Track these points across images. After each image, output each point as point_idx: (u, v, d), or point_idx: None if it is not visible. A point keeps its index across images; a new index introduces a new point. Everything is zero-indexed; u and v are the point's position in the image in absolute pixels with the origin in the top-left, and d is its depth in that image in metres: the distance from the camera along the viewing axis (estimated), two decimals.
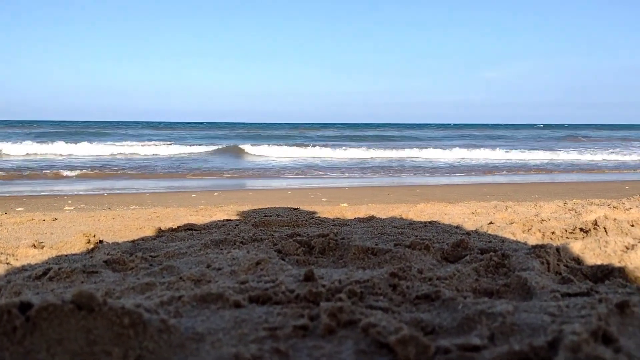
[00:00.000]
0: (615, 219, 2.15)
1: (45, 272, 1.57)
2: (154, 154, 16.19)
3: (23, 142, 17.53)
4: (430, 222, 2.88)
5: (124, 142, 19.54)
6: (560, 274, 1.56)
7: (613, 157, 16.65)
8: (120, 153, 16.15)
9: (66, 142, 17.53)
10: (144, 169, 11.52)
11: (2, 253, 2.12)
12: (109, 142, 19.29)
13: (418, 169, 12.71)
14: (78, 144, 17.43)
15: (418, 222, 2.92)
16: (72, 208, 5.35)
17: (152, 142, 20.22)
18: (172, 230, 2.82)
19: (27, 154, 15.48)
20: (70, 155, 15.51)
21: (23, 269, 1.75)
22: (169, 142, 20.34)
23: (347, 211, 3.89)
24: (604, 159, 15.78)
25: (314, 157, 16.03)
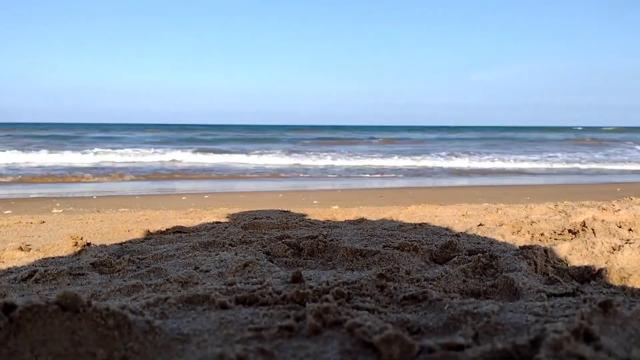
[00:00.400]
0: (603, 220, 2.17)
1: (31, 275, 1.56)
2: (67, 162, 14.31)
3: None
4: (420, 224, 2.88)
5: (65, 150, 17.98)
6: (547, 274, 1.57)
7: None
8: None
9: None
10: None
11: None
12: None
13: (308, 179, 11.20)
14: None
15: (408, 224, 2.92)
16: (61, 211, 5.32)
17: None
18: (160, 232, 2.81)
19: None
20: None
21: (9, 271, 1.74)
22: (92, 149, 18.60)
23: (338, 213, 3.89)
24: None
25: (238, 163, 15.05)
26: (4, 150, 16.15)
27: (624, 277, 1.45)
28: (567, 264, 1.66)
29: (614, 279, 1.47)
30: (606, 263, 1.60)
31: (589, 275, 1.53)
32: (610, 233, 2.04)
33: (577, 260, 1.68)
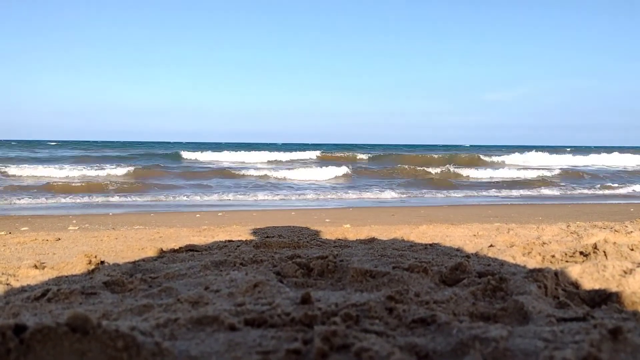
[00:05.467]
0: (615, 242, 2.15)
1: (44, 294, 1.58)
2: None
3: None
4: (431, 245, 2.88)
5: None
6: (557, 298, 1.56)
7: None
8: None
9: None
10: None
11: (3, 273, 2.14)
12: None
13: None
14: None
15: (419, 244, 2.92)
16: (77, 228, 5.38)
17: None
18: (173, 251, 2.83)
19: None
20: None
21: (22, 289, 1.77)
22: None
23: (350, 232, 3.89)
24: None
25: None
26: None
27: (636, 302, 1.44)
28: (577, 288, 1.65)
29: (626, 304, 1.46)
30: (617, 287, 1.59)
31: (600, 299, 1.52)
32: (622, 256, 2.02)
33: (588, 283, 1.66)
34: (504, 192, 11.98)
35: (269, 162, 24.41)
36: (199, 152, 26.76)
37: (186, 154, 26.36)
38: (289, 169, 18.03)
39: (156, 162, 21.98)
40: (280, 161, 24.85)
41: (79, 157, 23.98)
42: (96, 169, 16.42)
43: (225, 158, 26.06)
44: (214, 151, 27.58)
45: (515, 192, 11.93)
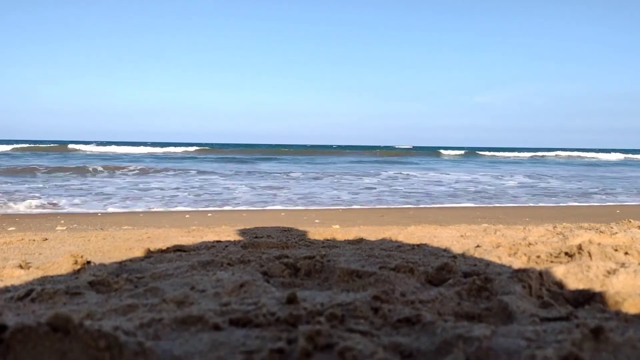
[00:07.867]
0: (599, 243, 2.17)
1: (28, 293, 1.57)
2: None
3: None
4: (418, 245, 2.89)
5: None
6: (542, 298, 1.57)
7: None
8: None
9: None
10: None
11: None
12: None
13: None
14: None
15: (407, 244, 2.93)
16: (64, 228, 5.34)
17: None
18: (161, 251, 2.82)
19: None
20: None
21: (6, 289, 1.75)
22: None
23: (338, 233, 3.89)
24: None
25: None
26: None
27: (618, 302, 1.45)
28: (562, 288, 1.66)
29: (609, 304, 1.47)
30: (601, 287, 1.60)
31: (584, 299, 1.53)
32: (606, 256, 2.04)
33: (572, 283, 1.68)
34: None
35: None
36: None
37: None
38: None
39: None
40: None
41: None
42: None
43: None
44: None
45: None
